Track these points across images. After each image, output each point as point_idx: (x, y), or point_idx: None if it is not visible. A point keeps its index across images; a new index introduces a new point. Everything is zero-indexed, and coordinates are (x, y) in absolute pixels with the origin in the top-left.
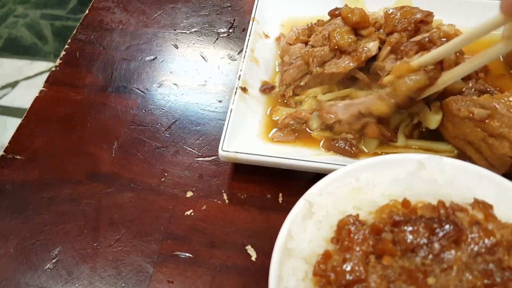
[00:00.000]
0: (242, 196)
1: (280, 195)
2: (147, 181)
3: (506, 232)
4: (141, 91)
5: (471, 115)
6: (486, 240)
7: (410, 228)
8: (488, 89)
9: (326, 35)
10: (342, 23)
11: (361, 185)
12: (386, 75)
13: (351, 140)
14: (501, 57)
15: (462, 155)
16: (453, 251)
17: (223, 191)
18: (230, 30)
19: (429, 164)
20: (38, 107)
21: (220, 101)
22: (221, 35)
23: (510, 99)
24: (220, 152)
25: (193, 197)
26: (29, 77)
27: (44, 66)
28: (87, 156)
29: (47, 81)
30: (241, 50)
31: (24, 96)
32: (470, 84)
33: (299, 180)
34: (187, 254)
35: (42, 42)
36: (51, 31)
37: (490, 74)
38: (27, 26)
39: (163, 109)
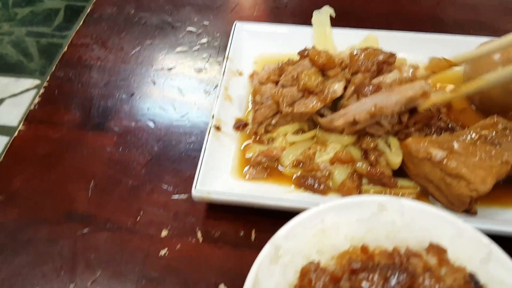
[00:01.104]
0: (216, 234)
1: (253, 231)
2: (123, 220)
3: (459, 276)
4: (118, 128)
5: (429, 156)
6: (437, 287)
7: (366, 276)
8: (449, 126)
9: (295, 76)
10: (310, 64)
11: (326, 226)
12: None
13: (319, 177)
14: None
15: (424, 192)
16: None
17: (197, 228)
18: (206, 66)
19: (389, 206)
20: (16, 147)
21: (196, 137)
22: (197, 71)
23: (468, 137)
24: (193, 192)
25: (168, 236)
26: (14, 95)
27: (29, 83)
28: (65, 196)
29: (26, 120)
30: (217, 86)
31: (10, 114)
32: (432, 122)
33: (271, 216)
34: None
35: (28, 59)
36: (37, 49)
37: (452, 109)
38: (12, 43)
39: (140, 147)
